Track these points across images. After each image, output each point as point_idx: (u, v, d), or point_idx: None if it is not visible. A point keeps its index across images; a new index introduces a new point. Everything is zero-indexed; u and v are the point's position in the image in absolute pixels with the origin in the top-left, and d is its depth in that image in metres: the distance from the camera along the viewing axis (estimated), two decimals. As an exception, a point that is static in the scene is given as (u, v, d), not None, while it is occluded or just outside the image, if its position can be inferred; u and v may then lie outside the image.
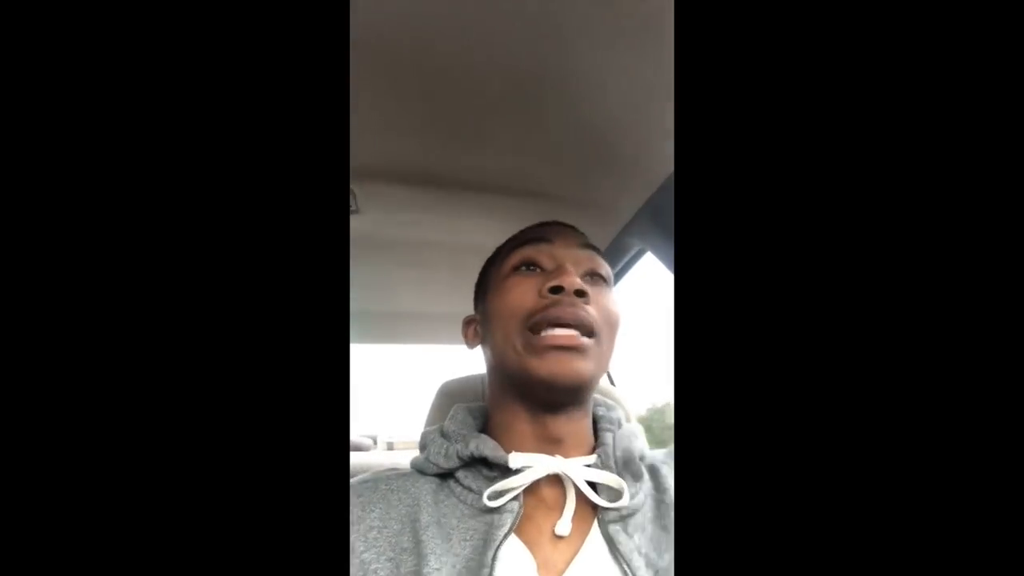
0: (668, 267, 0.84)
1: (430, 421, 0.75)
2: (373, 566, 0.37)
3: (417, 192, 0.71)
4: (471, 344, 0.52)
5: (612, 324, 0.45)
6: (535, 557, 0.38)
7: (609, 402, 0.52)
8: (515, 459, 0.41)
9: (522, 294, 0.44)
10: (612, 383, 1.13)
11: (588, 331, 0.42)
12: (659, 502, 0.43)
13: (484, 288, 0.51)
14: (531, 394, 0.43)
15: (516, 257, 0.47)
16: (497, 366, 0.46)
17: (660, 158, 0.67)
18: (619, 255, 0.89)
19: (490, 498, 0.40)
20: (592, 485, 0.42)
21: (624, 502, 0.41)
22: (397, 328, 1.16)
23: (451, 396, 0.74)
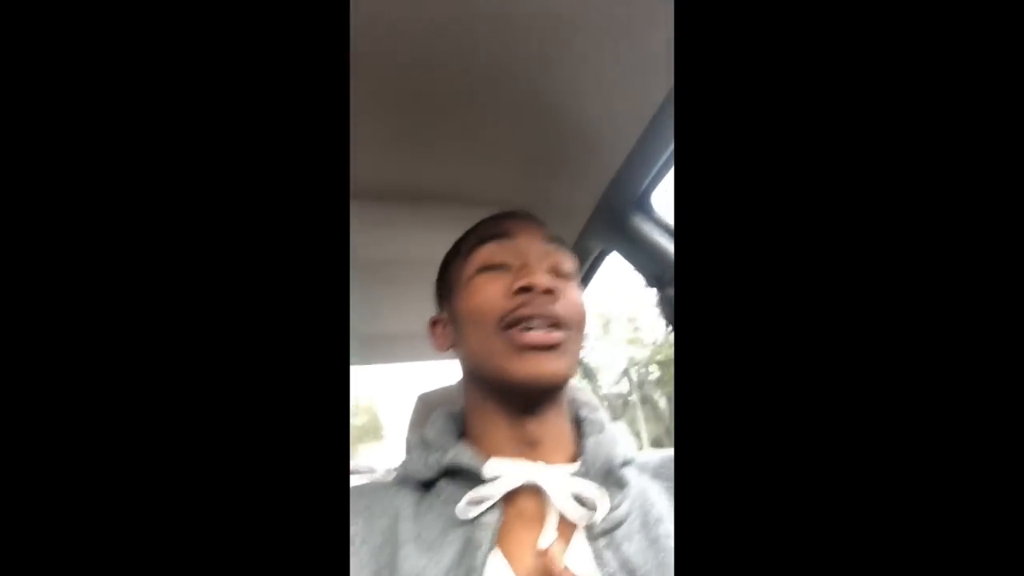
0: (633, 265, 0.87)
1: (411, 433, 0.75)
2: None
3: (383, 208, 0.72)
4: (441, 346, 0.51)
5: (580, 321, 0.45)
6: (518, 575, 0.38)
7: (593, 403, 0.51)
8: (490, 468, 0.41)
9: (491, 295, 0.44)
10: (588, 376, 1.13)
11: (560, 326, 0.43)
12: (646, 513, 0.42)
13: (447, 287, 0.51)
14: (508, 396, 0.44)
15: (480, 256, 0.47)
16: (473, 370, 0.46)
17: (607, 156, 0.68)
18: (582, 259, 0.90)
19: (466, 506, 0.40)
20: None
21: (603, 515, 0.40)
22: (375, 349, 1.16)
23: (430, 406, 0.75)
